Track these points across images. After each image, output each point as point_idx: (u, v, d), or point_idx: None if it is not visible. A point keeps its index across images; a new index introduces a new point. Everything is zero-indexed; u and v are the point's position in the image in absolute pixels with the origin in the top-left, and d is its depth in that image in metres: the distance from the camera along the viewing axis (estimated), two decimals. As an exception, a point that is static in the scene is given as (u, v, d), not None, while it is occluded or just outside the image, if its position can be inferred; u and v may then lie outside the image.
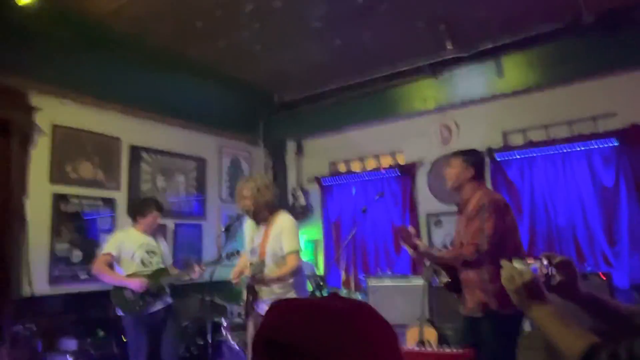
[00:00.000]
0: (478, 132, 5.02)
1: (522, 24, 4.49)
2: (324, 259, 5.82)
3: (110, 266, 3.70)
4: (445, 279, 2.94)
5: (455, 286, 2.89)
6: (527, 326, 3.79)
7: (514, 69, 4.84)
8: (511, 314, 2.57)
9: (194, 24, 4.21)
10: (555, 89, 4.69)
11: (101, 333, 3.98)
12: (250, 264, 3.06)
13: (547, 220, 4.52)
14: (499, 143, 4.90)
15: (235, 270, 3.27)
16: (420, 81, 5.31)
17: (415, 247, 2.79)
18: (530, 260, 1.17)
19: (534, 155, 4.69)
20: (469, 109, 5.15)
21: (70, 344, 3.75)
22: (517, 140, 4.90)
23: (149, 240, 3.85)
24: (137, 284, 3.58)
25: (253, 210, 3.18)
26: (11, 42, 3.79)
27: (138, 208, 3.96)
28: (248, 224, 3.37)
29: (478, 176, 2.90)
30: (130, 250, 3.73)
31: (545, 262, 1.17)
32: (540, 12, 4.29)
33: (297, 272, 3.20)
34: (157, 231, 3.97)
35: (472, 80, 4.97)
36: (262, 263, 3.04)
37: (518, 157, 4.78)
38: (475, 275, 2.75)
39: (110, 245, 3.75)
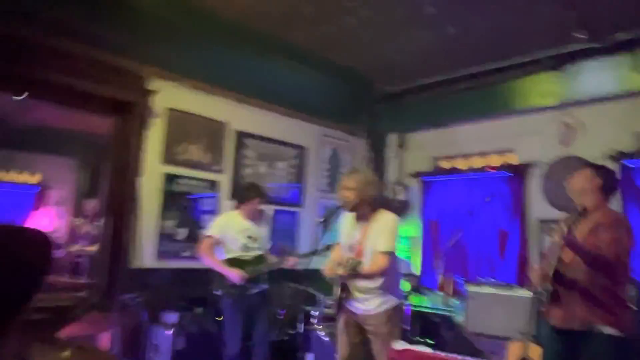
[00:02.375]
0: (605, 133, 4.48)
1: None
2: (420, 258, 5.60)
3: (213, 249, 3.83)
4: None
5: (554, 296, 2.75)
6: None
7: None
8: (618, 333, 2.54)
9: (301, 9, 4.18)
10: None
11: (200, 309, 4.14)
12: (347, 260, 2.96)
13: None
14: (630, 147, 4.34)
15: (329, 266, 3.19)
16: (540, 74, 4.85)
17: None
18: None
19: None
20: (595, 107, 4.60)
21: (172, 317, 3.94)
22: (652, 144, 4.31)
23: (250, 225, 3.92)
24: (236, 277, 3.67)
25: (356, 203, 3.08)
26: (133, 28, 4.01)
27: (242, 193, 4.06)
28: (346, 218, 3.27)
29: (605, 191, 2.76)
30: (232, 235, 3.83)
31: None
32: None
33: (390, 273, 3.07)
34: (258, 216, 4.04)
35: (602, 74, 4.44)
36: (358, 261, 2.93)
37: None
38: (587, 286, 2.63)
39: (214, 228, 3.89)
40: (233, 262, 3.77)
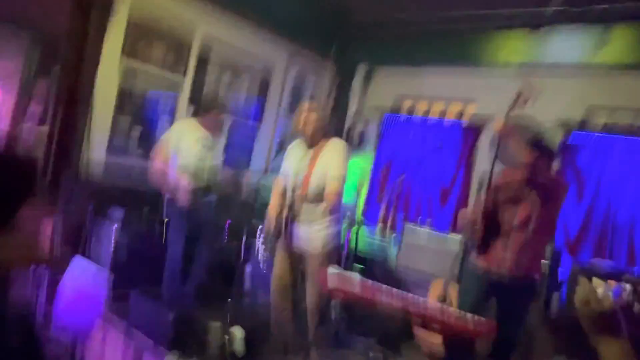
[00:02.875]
0: (561, 100, 4.64)
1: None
2: (367, 192, 5.81)
3: (167, 153, 3.83)
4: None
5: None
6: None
7: (622, 40, 4.35)
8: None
9: None
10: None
11: (146, 208, 4.20)
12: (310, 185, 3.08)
13: (606, 213, 4.28)
14: (580, 118, 4.55)
15: (274, 204, 3.29)
16: (513, 32, 4.90)
17: None
18: (612, 282, 1.04)
19: (615, 139, 4.36)
20: (556, 73, 4.75)
21: (118, 212, 3.98)
22: (601, 119, 4.53)
23: (207, 135, 3.92)
24: (184, 184, 3.71)
25: (318, 130, 3.17)
26: None
27: (204, 103, 4.02)
28: (295, 146, 3.36)
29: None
30: (188, 142, 3.83)
31: (629, 288, 1.03)
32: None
33: (337, 200, 3.23)
34: (218, 128, 4.04)
35: (571, 42, 4.53)
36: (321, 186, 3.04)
37: (596, 137, 4.45)
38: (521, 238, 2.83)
39: (169, 134, 3.87)
40: (186, 170, 3.80)
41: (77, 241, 3.75)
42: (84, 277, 2.71)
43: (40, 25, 5.43)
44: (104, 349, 3.03)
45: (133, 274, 3.77)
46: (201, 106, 4.01)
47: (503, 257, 2.87)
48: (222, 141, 4.14)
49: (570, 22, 4.48)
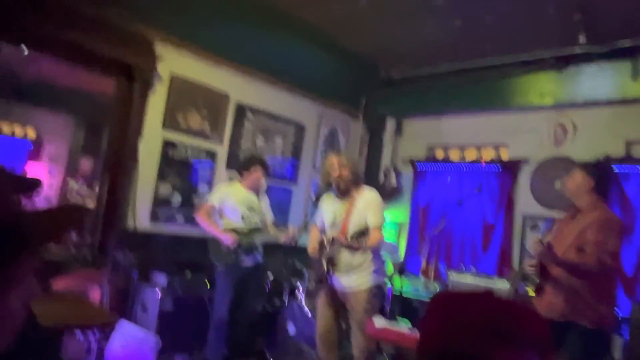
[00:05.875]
0: (597, 137, 4.60)
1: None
2: (406, 243, 5.74)
3: (212, 216, 3.92)
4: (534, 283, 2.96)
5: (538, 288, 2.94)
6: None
7: (653, 73, 4.33)
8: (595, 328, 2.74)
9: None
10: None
11: (189, 274, 4.26)
12: (348, 235, 3.07)
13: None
14: (620, 153, 4.46)
15: (314, 246, 3.29)
16: (540, 74, 4.93)
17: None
18: None
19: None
20: (590, 111, 4.72)
21: (162, 279, 4.05)
22: (641, 152, 4.43)
23: (251, 196, 4.02)
24: (228, 239, 3.77)
25: (349, 180, 3.19)
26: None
27: (244, 163, 4.14)
28: (326, 199, 3.38)
29: (599, 191, 2.91)
30: (232, 204, 3.93)
31: None
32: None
33: (376, 250, 3.20)
34: (260, 188, 4.13)
35: (600, 79, 4.52)
36: (362, 231, 3.02)
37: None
38: (571, 285, 2.76)
39: (214, 196, 3.99)
40: (229, 232, 3.87)
41: (122, 307, 3.81)
42: (132, 342, 2.73)
43: (86, 105, 5.85)
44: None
45: (177, 338, 3.77)
46: (242, 166, 4.12)
47: (555, 304, 2.79)
48: (266, 201, 4.20)
49: (598, 60, 4.50)
